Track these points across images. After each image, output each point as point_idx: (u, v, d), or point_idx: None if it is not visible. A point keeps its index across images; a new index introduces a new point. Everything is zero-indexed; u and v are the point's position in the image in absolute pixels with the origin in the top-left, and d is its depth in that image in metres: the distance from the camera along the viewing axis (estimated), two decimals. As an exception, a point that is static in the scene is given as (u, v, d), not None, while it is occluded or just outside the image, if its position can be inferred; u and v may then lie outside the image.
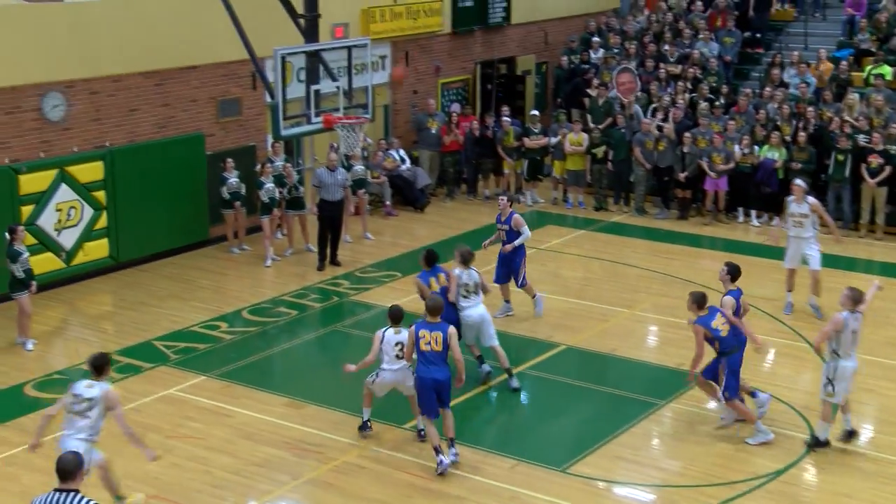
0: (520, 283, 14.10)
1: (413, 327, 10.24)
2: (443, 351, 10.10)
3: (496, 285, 14.05)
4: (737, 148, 18.65)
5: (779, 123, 19.05)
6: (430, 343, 10.09)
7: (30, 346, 13.16)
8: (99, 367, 9.03)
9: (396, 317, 10.59)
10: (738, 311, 11.04)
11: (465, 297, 12.07)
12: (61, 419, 9.07)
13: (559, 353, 13.24)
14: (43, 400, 11.78)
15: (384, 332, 10.57)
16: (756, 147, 18.61)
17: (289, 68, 15.63)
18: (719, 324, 10.72)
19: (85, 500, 6.73)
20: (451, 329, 10.21)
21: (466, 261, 12.12)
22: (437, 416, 10.23)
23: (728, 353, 10.73)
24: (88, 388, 8.94)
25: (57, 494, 6.75)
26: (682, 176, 18.85)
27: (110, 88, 15.85)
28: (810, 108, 19.07)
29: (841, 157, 17.92)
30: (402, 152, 19.87)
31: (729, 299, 11.04)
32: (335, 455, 10.58)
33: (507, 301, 14.32)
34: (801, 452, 10.70)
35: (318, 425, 11.22)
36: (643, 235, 18.35)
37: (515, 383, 12.15)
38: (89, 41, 15.44)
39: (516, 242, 13.85)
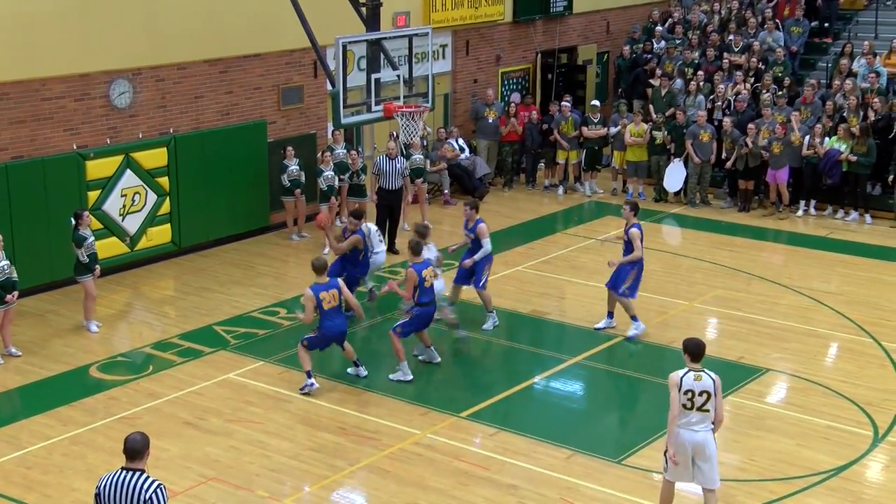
0: (480, 284, 13.41)
1: (310, 292, 11.44)
2: (339, 303, 11.54)
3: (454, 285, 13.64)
4: (807, 139, 18.32)
5: (846, 115, 18.68)
6: (329, 301, 11.45)
7: (94, 328, 13.43)
8: None
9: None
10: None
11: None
12: None
13: (616, 345, 13.16)
14: (106, 381, 12.05)
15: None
16: (826, 139, 18.28)
17: (350, 57, 15.71)
18: (428, 275, 11.89)
19: (150, 479, 6.82)
20: (340, 281, 11.75)
21: (423, 236, 12.65)
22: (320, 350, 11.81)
23: (424, 304, 11.97)
24: (699, 382, 8.51)
25: (124, 473, 6.85)
26: (732, 162, 18.54)
27: (176, 76, 16.08)
28: (876, 100, 18.68)
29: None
30: (461, 141, 19.87)
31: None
32: (391, 442, 10.65)
33: (453, 303, 13.68)
34: (864, 449, 10.50)
35: (374, 412, 11.30)
36: (703, 227, 18.14)
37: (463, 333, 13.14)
38: (156, 29, 15.68)
39: (476, 257, 13.25)
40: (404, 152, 17.32)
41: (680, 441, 8.62)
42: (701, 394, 8.55)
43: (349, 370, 12.20)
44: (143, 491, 6.73)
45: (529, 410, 11.61)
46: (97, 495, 6.90)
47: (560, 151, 20.14)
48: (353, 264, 13.55)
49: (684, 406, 8.58)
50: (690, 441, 8.61)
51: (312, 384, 11.67)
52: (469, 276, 13.54)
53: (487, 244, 13.32)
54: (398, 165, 16.35)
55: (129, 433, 7.02)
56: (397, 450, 10.51)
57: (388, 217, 16.42)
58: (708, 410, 8.56)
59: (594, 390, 12.40)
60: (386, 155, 16.37)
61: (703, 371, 8.63)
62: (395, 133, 17.29)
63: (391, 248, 16.37)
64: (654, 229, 18.11)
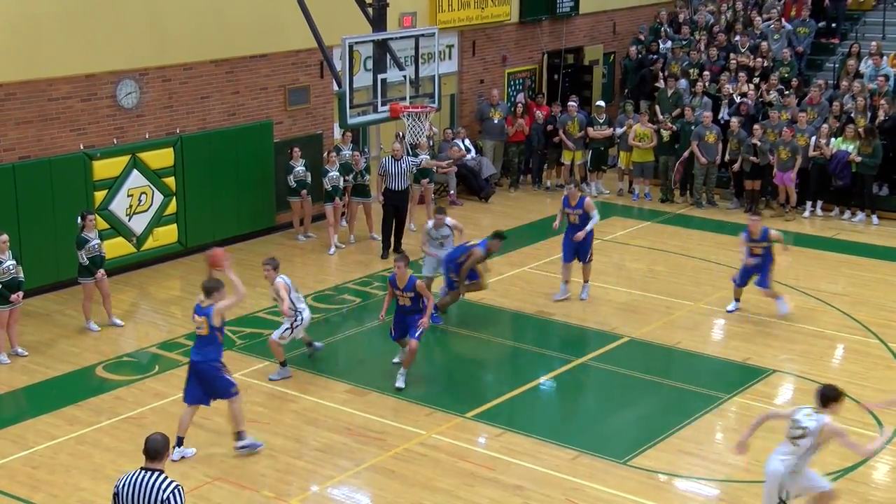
0: (586, 259, 14.52)
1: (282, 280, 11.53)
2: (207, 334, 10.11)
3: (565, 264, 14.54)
4: (813, 140, 18.29)
5: (853, 116, 18.64)
6: (199, 327, 10.16)
7: (94, 326, 13.46)
8: None
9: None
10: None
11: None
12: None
13: (623, 345, 13.15)
14: (112, 381, 12.07)
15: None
16: (832, 139, 18.25)
17: (356, 57, 15.72)
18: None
19: (168, 480, 6.82)
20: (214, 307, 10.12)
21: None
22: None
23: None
24: (807, 418, 8.51)
25: (142, 473, 6.87)
26: (739, 163, 18.52)
27: (182, 76, 16.11)
28: (883, 101, 18.65)
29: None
30: (467, 142, 19.87)
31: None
32: (396, 442, 10.65)
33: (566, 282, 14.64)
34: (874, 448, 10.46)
35: (379, 412, 11.30)
36: (710, 228, 18.11)
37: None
38: (162, 30, 15.71)
39: (587, 228, 14.28)
40: (411, 152, 17.32)
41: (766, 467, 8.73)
42: (799, 428, 8.53)
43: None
44: (160, 491, 6.75)
45: (535, 411, 11.60)
46: (115, 495, 6.92)
47: (566, 152, 20.13)
48: None
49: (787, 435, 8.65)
50: (770, 468, 8.63)
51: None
52: (575, 253, 14.41)
53: (596, 215, 14.39)
54: (404, 166, 16.36)
55: (149, 434, 7.04)
56: (403, 450, 10.51)
57: (394, 218, 16.42)
58: (797, 445, 8.52)
59: (600, 391, 12.39)
60: (391, 156, 16.38)
61: (816, 415, 8.51)
62: (401, 133, 17.27)
63: (396, 249, 16.39)
64: (661, 230, 18.10)
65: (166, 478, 6.84)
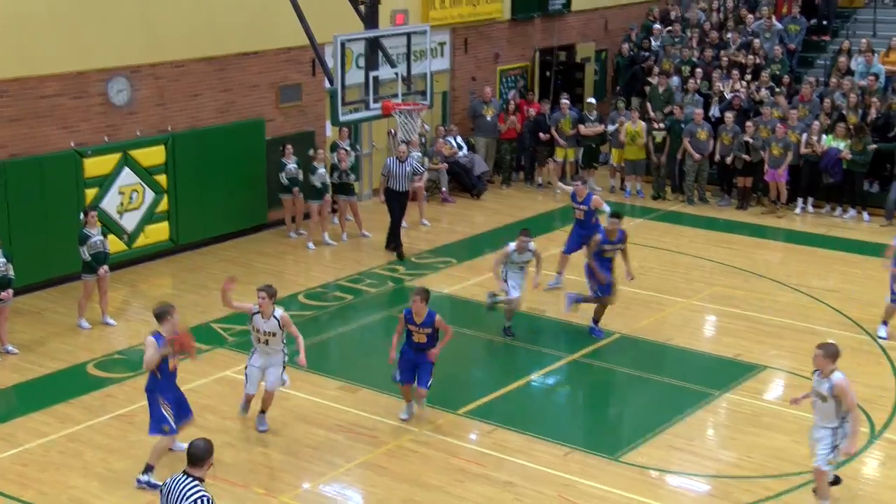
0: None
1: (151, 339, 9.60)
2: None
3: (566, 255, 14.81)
4: (804, 136, 18.34)
5: (844, 113, 18.69)
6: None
7: (84, 324, 13.44)
8: None
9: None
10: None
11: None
12: None
13: (615, 342, 13.17)
14: (104, 379, 12.06)
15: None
16: (824, 137, 18.30)
17: (348, 55, 15.69)
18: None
19: (197, 488, 6.85)
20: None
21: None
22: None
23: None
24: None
25: (182, 476, 6.96)
26: (745, 157, 18.55)
27: (174, 74, 16.08)
28: (875, 99, 18.70)
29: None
30: (459, 139, 19.87)
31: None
32: (387, 439, 10.66)
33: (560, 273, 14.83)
34: (860, 446, 10.50)
35: (371, 409, 11.30)
36: (701, 225, 18.15)
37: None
38: (153, 27, 15.68)
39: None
40: (409, 152, 17.29)
41: None
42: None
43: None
44: (185, 497, 6.83)
45: (527, 408, 11.62)
46: (161, 491, 7.11)
47: (558, 149, 20.14)
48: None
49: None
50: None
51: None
52: (580, 247, 14.42)
53: (606, 209, 14.43)
54: (408, 168, 16.28)
55: (194, 439, 7.10)
56: (394, 447, 10.52)
57: (391, 217, 16.32)
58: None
59: (592, 387, 12.41)
60: (396, 157, 16.29)
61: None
62: (393, 131, 17.26)
63: (388, 247, 16.32)
64: (652, 227, 18.12)
65: (197, 485, 6.90)
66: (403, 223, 17.29)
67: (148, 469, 9.72)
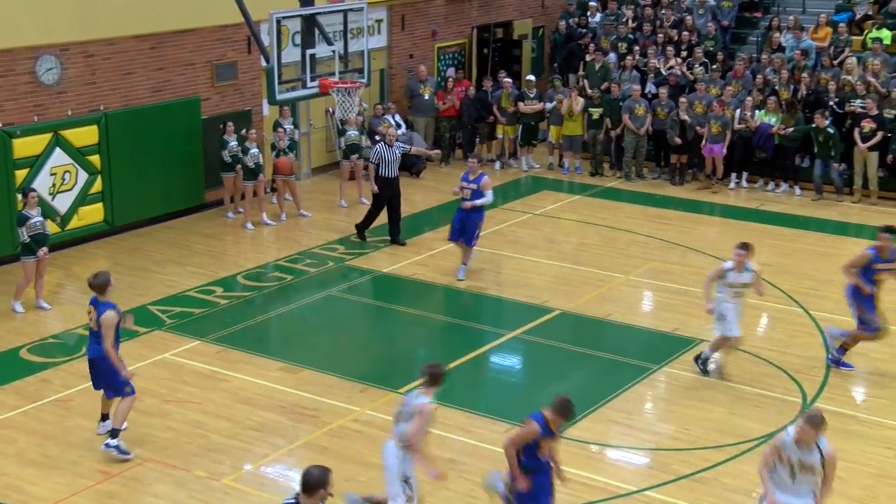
0: (472, 243, 14.43)
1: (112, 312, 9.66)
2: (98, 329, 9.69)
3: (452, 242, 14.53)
4: (738, 112, 18.61)
5: (777, 88, 19.00)
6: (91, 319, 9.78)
7: (18, 308, 13.20)
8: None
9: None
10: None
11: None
12: None
13: (554, 319, 13.28)
14: (37, 363, 11.85)
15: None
16: (756, 112, 18.59)
17: (285, 32, 15.52)
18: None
19: None
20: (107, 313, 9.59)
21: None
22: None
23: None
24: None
25: (293, 501, 6.82)
26: (677, 140, 18.82)
27: (105, 52, 15.75)
28: (805, 75, 19.05)
29: (822, 138, 17.88)
30: (398, 117, 19.78)
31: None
32: (330, 419, 10.64)
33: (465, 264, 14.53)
34: (793, 416, 10.76)
35: (312, 389, 11.28)
36: (639, 201, 18.35)
37: None
38: (84, 3, 15.31)
39: (477, 202, 14.18)
40: (340, 128, 17.16)
41: None
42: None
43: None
44: None
45: (468, 385, 11.68)
46: None
47: (499, 126, 20.18)
48: None
49: None
50: None
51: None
52: (463, 232, 14.29)
53: (490, 195, 14.32)
54: (397, 153, 16.03)
55: (309, 466, 6.96)
56: (336, 427, 10.51)
57: (389, 206, 15.84)
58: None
59: (532, 364, 12.51)
60: (385, 143, 15.98)
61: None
62: (331, 109, 17.09)
63: (396, 240, 15.84)
64: (590, 203, 18.28)
65: None
66: (343, 202, 17.18)
67: (114, 433, 9.71)
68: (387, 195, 15.84)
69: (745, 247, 11.25)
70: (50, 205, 15.16)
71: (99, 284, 9.81)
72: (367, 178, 16.86)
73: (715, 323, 11.40)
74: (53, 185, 15.18)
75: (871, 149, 17.79)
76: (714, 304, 11.32)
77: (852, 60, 19.11)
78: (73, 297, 13.98)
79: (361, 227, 16.05)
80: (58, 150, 15.17)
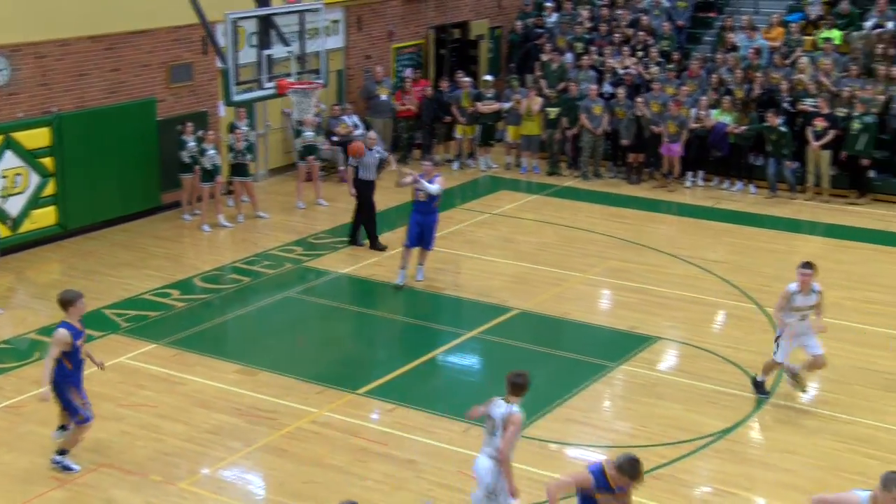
0: (430, 246, 14.30)
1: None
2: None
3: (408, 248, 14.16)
4: (693, 111, 18.79)
5: (731, 88, 19.21)
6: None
7: None
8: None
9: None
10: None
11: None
12: None
13: (512, 318, 13.31)
14: (-9, 369, 11.68)
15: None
16: (713, 111, 18.78)
17: (241, 33, 15.39)
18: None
19: None
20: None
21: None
22: None
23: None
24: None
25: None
26: (624, 142, 19.00)
27: (58, 53, 15.55)
28: (759, 74, 19.29)
29: (774, 137, 18.12)
30: (355, 118, 19.73)
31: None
32: (288, 421, 10.59)
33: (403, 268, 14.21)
34: (748, 412, 10.89)
35: (270, 392, 11.21)
36: (596, 200, 18.46)
37: None
38: (35, 3, 15.11)
39: (429, 188, 13.94)
40: (297, 129, 17.06)
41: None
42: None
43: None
44: None
45: (426, 386, 11.68)
46: None
47: (458, 126, 20.20)
48: None
49: None
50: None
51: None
52: (421, 239, 14.08)
53: (440, 189, 14.05)
54: (376, 156, 15.89)
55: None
56: (294, 429, 10.46)
57: (366, 209, 15.70)
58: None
59: (491, 364, 12.53)
60: (365, 145, 15.84)
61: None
62: (288, 111, 16.97)
63: (375, 245, 15.66)
64: (548, 202, 18.36)
65: None
66: (300, 203, 17.09)
67: (63, 451, 9.61)
68: (367, 197, 15.75)
69: (809, 266, 10.33)
70: (1, 208, 14.94)
71: (58, 301, 9.53)
72: (324, 178, 16.67)
73: (791, 344, 10.63)
74: (4, 187, 14.96)
75: (823, 147, 18.05)
76: (785, 328, 10.55)
77: (804, 60, 19.39)
78: (25, 302, 13.80)
79: (353, 234, 15.91)
80: (8, 152, 14.95)
